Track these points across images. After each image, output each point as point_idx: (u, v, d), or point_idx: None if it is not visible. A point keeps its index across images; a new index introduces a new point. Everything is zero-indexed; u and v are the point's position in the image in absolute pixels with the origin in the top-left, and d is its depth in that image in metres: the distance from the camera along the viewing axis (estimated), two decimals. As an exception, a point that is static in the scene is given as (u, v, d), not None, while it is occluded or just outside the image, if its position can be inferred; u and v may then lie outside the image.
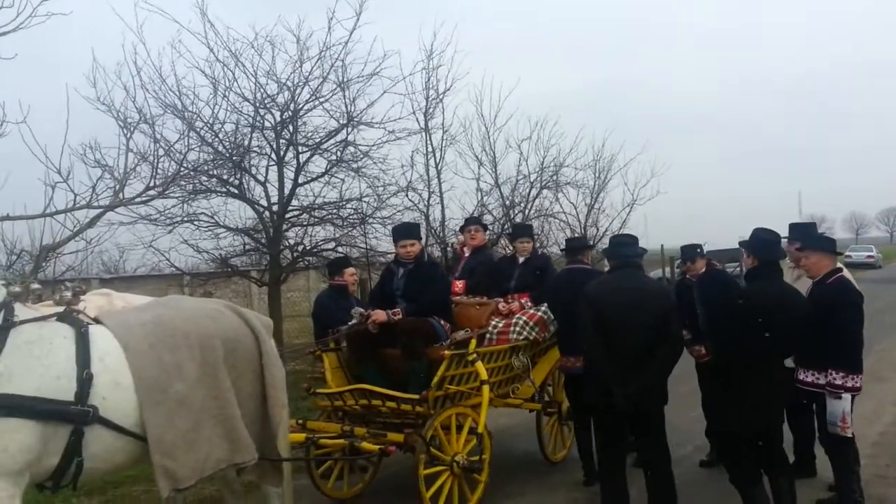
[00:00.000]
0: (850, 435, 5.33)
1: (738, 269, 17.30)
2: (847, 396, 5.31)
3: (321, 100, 11.05)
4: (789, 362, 5.55)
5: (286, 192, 11.25)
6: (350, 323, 6.43)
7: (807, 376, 5.52)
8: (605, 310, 5.13)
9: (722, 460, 5.59)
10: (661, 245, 24.68)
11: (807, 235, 6.15)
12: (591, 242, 7.85)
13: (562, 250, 7.04)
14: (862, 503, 5.44)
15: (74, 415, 3.71)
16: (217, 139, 10.71)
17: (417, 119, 13.10)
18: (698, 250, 6.92)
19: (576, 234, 18.44)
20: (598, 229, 18.47)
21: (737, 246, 7.27)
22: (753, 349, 4.96)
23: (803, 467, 6.43)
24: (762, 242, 5.29)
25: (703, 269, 6.83)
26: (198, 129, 10.48)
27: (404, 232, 6.64)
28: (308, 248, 11.57)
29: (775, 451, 5.21)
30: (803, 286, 6.00)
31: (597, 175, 17.94)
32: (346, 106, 11.10)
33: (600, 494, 5.43)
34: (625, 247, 5.51)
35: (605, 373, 5.07)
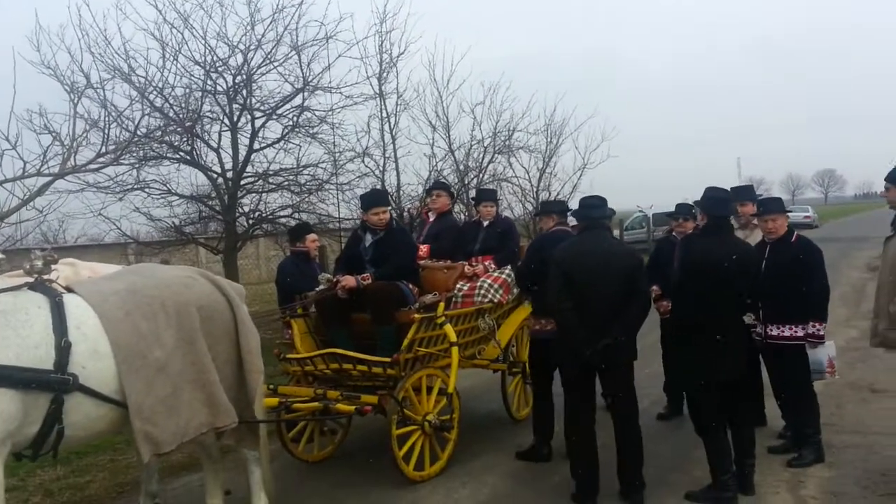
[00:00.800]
0: (836, 377, 5.81)
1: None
2: (830, 343, 5.75)
3: (275, 64, 10.92)
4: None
5: (240, 158, 11.10)
6: (318, 288, 6.45)
7: (783, 331, 5.83)
8: (574, 272, 5.19)
9: (690, 411, 5.73)
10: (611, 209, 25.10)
11: (765, 200, 6.42)
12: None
13: (535, 216, 7.01)
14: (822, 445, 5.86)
15: (55, 383, 3.69)
16: (167, 104, 10.48)
17: (371, 84, 13.04)
18: (693, 210, 7.04)
19: (528, 199, 18.68)
20: (549, 193, 18.70)
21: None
22: (720, 304, 5.12)
23: (755, 415, 6.75)
24: (714, 200, 5.40)
25: (691, 230, 6.95)
26: (147, 94, 10.22)
27: (376, 199, 6.65)
28: (264, 214, 11.46)
29: (741, 401, 5.41)
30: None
31: (549, 139, 18.13)
32: (302, 70, 10.96)
33: (568, 451, 5.55)
34: (594, 209, 5.55)
35: (576, 335, 5.14)
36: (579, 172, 18.57)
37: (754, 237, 6.49)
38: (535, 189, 18.53)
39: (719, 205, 5.40)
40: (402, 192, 14.10)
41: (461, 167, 15.84)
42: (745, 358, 5.36)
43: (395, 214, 14.02)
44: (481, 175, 16.18)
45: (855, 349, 9.73)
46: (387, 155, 13.76)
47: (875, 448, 6.06)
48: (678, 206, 7.16)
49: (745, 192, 6.88)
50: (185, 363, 4.21)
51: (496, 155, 16.64)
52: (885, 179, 5.49)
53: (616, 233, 24.35)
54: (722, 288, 5.12)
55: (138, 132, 9.44)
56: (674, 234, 7.28)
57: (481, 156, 16.21)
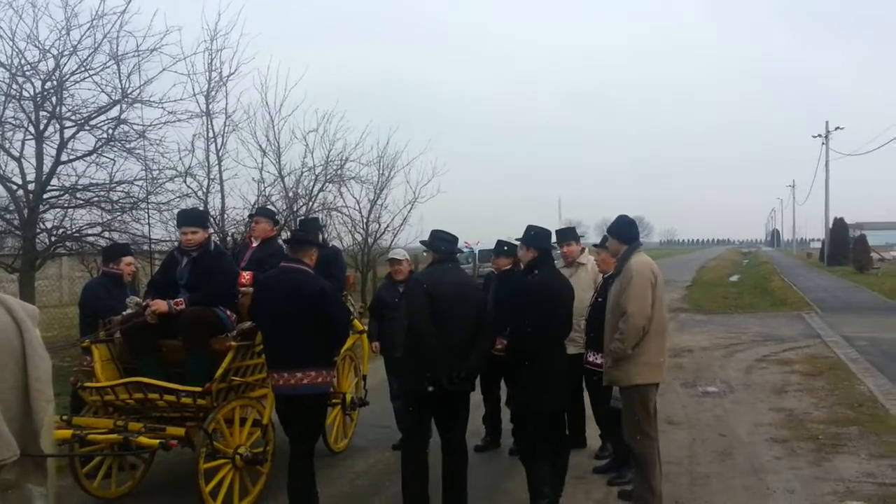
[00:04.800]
0: None
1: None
2: None
3: (91, 72, 10.21)
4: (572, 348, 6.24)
5: (45, 169, 10.21)
6: (125, 312, 6.04)
7: (597, 358, 6.23)
8: (439, 302, 5.24)
9: (517, 440, 5.92)
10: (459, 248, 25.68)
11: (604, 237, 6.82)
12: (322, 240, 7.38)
13: (284, 241, 6.27)
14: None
15: None
16: (-37, 107, 9.51)
17: (199, 102, 12.58)
18: (505, 248, 7.26)
19: (357, 229, 18.68)
20: (380, 224, 18.91)
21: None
22: (549, 335, 5.38)
23: (576, 439, 7.13)
24: (540, 235, 5.71)
25: (508, 266, 7.18)
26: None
27: (187, 218, 6.29)
28: (69, 232, 10.57)
29: (560, 427, 5.69)
30: (579, 282, 6.77)
31: (381, 171, 18.39)
32: (120, 81, 10.34)
33: (403, 484, 5.42)
34: (446, 242, 5.68)
35: (437, 361, 5.15)
36: (410, 206, 18.93)
37: (578, 275, 6.97)
38: (365, 220, 18.64)
39: (545, 239, 5.73)
40: (226, 216, 13.63)
41: (290, 194, 15.61)
42: (570, 388, 5.64)
43: (218, 238, 13.55)
44: (311, 203, 16.02)
45: (654, 383, 10.50)
46: (212, 176, 13.30)
47: (669, 477, 6.46)
48: (497, 242, 7.45)
49: (569, 234, 7.43)
50: (-38, 390, 3.77)
51: (327, 184, 16.58)
52: (608, 231, 5.97)
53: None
54: (556, 317, 5.43)
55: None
56: (493, 270, 7.56)
57: (312, 183, 16.08)
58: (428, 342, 5.20)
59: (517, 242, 6.56)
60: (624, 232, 5.82)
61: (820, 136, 51.88)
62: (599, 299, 6.33)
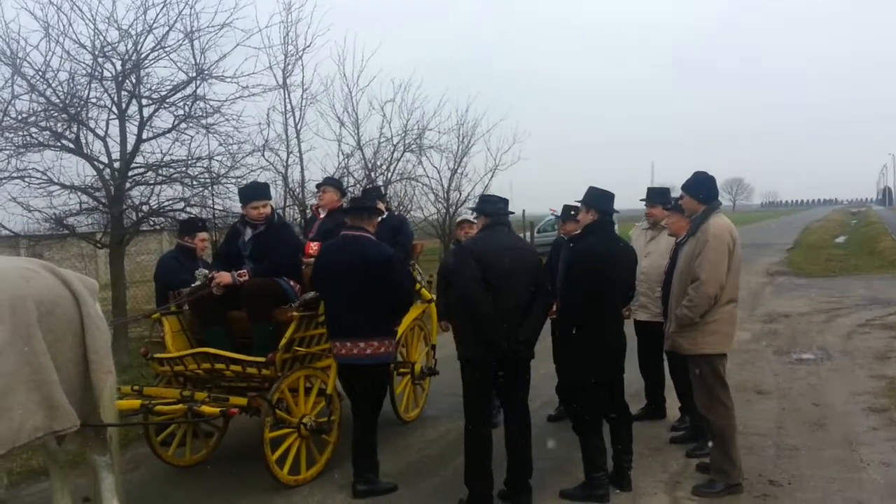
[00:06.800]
0: None
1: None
2: None
3: (167, 50, 10.34)
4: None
5: (129, 147, 10.50)
6: (193, 285, 6.11)
7: None
8: (490, 268, 5.04)
9: (567, 410, 5.73)
10: (523, 210, 25.38)
11: (669, 199, 6.53)
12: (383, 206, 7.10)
13: (343, 211, 6.27)
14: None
15: None
16: (50, 88, 9.83)
17: (275, 75, 12.67)
18: (572, 212, 7.02)
19: (439, 199, 18.56)
20: (460, 193, 18.73)
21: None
22: (599, 305, 5.13)
23: (654, 410, 7.02)
24: (602, 197, 5.38)
25: (577, 231, 6.91)
26: (27, 77, 9.60)
27: (255, 193, 6.25)
28: (154, 208, 10.86)
29: (615, 396, 5.45)
30: (659, 246, 6.64)
31: (460, 139, 18.15)
32: (195, 57, 10.46)
33: (465, 459, 5.26)
34: (494, 204, 5.45)
35: (493, 327, 4.97)
36: (490, 173, 18.67)
37: (659, 239, 6.70)
38: (445, 189, 18.50)
39: (606, 201, 5.40)
40: (305, 188, 13.75)
41: (369, 164, 15.63)
42: (624, 356, 5.37)
43: (298, 210, 13.72)
44: (389, 173, 16.01)
45: (746, 351, 10.00)
46: (290, 149, 13.43)
47: (754, 449, 6.14)
48: (564, 207, 7.16)
49: (655, 195, 6.96)
50: (20, 362, 3.84)
51: (406, 153, 16.51)
52: (682, 188, 5.56)
53: (527, 234, 24.55)
54: (610, 284, 5.16)
55: (12, 115, 8.82)
56: (562, 235, 7.30)
57: (390, 153, 16.06)
58: (481, 309, 5.00)
59: None
60: (700, 189, 5.40)
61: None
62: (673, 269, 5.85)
